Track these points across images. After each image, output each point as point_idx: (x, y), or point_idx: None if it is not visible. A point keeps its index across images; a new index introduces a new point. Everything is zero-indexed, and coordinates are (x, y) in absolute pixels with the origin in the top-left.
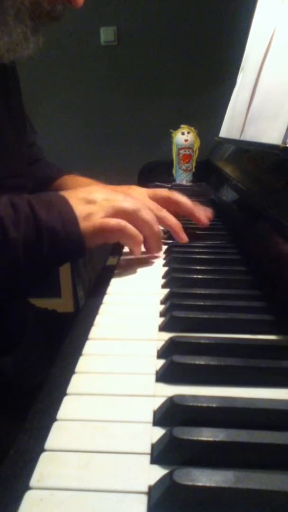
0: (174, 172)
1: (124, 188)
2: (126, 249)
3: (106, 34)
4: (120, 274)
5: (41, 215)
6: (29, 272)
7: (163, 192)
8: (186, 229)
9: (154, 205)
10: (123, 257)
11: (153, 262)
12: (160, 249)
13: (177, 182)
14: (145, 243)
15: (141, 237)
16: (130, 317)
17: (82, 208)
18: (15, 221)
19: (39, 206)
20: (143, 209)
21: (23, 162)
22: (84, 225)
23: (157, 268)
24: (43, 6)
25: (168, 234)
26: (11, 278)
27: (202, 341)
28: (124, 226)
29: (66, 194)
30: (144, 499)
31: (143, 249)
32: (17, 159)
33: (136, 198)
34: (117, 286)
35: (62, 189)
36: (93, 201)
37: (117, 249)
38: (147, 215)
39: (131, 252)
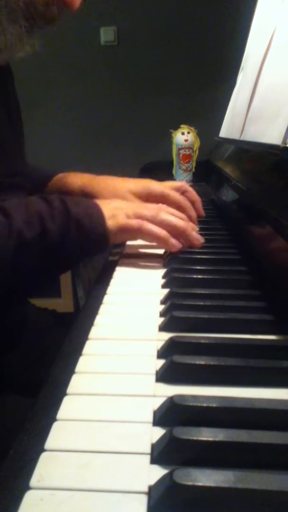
0: (174, 172)
1: (143, 181)
2: (126, 249)
3: (106, 34)
4: (120, 274)
5: (72, 209)
6: (61, 262)
7: (176, 182)
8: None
9: (175, 196)
10: (122, 258)
11: (153, 262)
12: (193, 244)
13: None
14: (179, 240)
15: (163, 233)
16: (130, 317)
17: (108, 210)
18: (51, 214)
19: (69, 202)
20: (162, 212)
21: (22, 161)
22: (109, 223)
23: (157, 268)
24: (37, 6)
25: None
26: (47, 267)
27: (202, 341)
28: (143, 224)
29: (95, 201)
30: (144, 499)
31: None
32: (16, 158)
33: (155, 206)
34: (117, 286)
35: (65, 186)
36: (118, 207)
37: (117, 249)
38: (167, 216)
39: (165, 248)
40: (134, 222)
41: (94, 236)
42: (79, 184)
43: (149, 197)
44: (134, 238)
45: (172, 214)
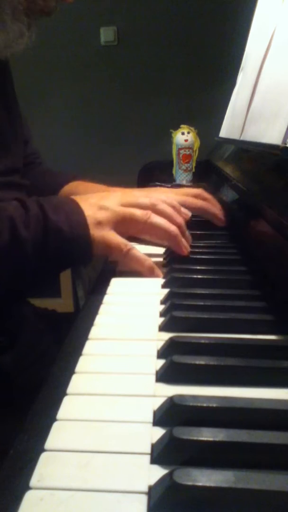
0: (174, 172)
1: (153, 189)
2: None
3: (106, 34)
4: (120, 274)
5: (50, 216)
6: (36, 273)
7: (193, 190)
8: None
9: (173, 198)
10: None
11: (153, 262)
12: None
13: (177, 182)
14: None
15: (147, 263)
16: (130, 317)
17: (93, 214)
18: (25, 221)
19: (48, 207)
20: (153, 214)
21: (20, 159)
22: (94, 232)
23: (157, 268)
24: (38, 3)
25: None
26: (19, 277)
27: (202, 341)
28: (128, 250)
29: (78, 198)
30: (144, 499)
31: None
32: (14, 156)
33: (151, 196)
34: (117, 286)
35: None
36: (105, 208)
37: None
38: (158, 219)
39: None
40: (121, 243)
41: (76, 246)
42: None
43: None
44: (118, 259)
45: (165, 212)
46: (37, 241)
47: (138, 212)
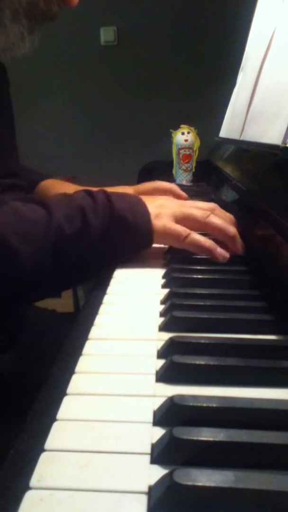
0: (174, 172)
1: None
2: None
3: (106, 34)
4: (120, 274)
5: (115, 204)
6: (101, 259)
7: (207, 204)
8: None
9: (221, 212)
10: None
11: (153, 262)
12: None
13: (177, 182)
14: (223, 246)
15: (208, 243)
16: (130, 317)
17: (153, 207)
18: (94, 209)
19: (114, 197)
20: (212, 215)
21: (17, 161)
22: (154, 222)
23: (157, 268)
24: (39, 6)
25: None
26: (87, 262)
27: (202, 341)
28: (190, 234)
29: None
30: (144, 499)
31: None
32: (12, 158)
33: (204, 206)
34: (117, 286)
35: (46, 193)
36: (165, 206)
37: None
38: (217, 220)
39: (212, 258)
40: (181, 230)
41: (138, 233)
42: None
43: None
44: (178, 245)
45: (222, 217)
46: (104, 228)
47: (196, 211)
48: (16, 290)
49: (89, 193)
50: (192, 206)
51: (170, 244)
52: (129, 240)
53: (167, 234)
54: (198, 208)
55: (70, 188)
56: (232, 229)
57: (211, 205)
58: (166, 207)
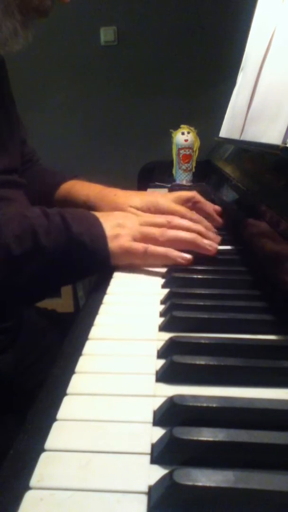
0: (174, 172)
1: (149, 196)
2: None
3: (106, 34)
4: (120, 274)
5: (72, 227)
6: (54, 280)
7: (186, 193)
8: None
9: (183, 212)
10: None
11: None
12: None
13: (177, 182)
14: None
15: (168, 252)
16: (130, 317)
17: (111, 228)
18: (47, 230)
19: (70, 219)
20: (169, 229)
21: (17, 158)
22: (112, 244)
23: (157, 268)
24: (32, 0)
25: None
26: (37, 284)
27: (202, 341)
28: (148, 248)
29: (98, 214)
30: (144, 499)
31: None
32: (12, 155)
33: (165, 216)
34: (117, 286)
35: (70, 196)
36: (123, 225)
37: None
38: (176, 232)
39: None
40: (138, 246)
41: (96, 257)
42: (84, 196)
43: (156, 213)
44: (139, 263)
45: (181, 225)
46: (57, 250)
47: (154, 230)
48: None
49: (45, 212)
50: (150, 223)
51: (131, 262)
52: (87, 263)
53: (125, 254)
54: (156, 225)
55: (91, 188)
56: (189, 235)
57: (169, 218)
58: (123, 227)
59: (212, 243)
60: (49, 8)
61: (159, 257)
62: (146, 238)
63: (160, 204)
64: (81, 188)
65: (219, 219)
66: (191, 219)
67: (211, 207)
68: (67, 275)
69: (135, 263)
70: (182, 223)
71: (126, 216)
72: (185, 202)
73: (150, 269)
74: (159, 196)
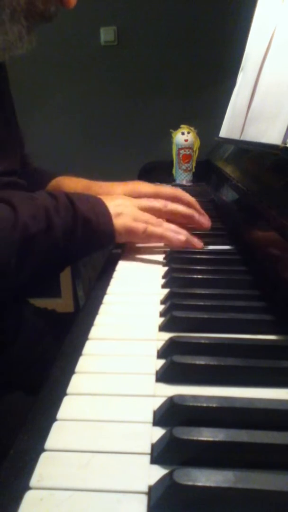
0: (174, 172)
1: (130, 184)
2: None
3: (106, 34)
4: (120, 274)
5: (78, 206)
6: (61, 258)
7: (168, 190)
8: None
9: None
10: (122, 258)
11: (153, 262)
12: (204, 224)
13: (177, 182)
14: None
15: (166, 233)
16: (130, 317)
17: (113, 207)
18: (56, 209)
19: (76, 199)
20: (170, 203)
21: (17, 160)
22: (116, 221)
23: (157, 268)
24: (38, 6)
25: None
26: (47, 261)
27: (202, 341)
28: (145, 229)
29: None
30: (144, 499)
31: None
32: (11, 157)
33: (161, 200)
34: (117, 286)
35: (57, 190)
36: (123, 205)
37: (117, 249)
38: (176, 205)
39: (171, 246)
40: (139, 226)
41: (101, 233)
42: (72, 189)
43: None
44: (138, 241)
45: (177, 208)
46: (67, 228)
47: (156, 202)
48: None
49: (51, 194)
50: (147, 205)
51: (130, 241)
52: (93, 240)
53: (127, 232)
54: (153, 208)
55: (79, 183)
56: (189, 210)
57: (154, 192)
58: (125, 206)
59: (206, 219)
60: (54, 13)
61: (157, 237)
62: (149, 210)
63: (141, 190)
64: (68, 183)
65: (203, 223)
66: (176, 198)
67: (193, 201)
68: (73, 253)
69: (134, 242)
70: (177, 206)
71: (125, 198)
72: (167, 198)
73: (151, 269)
74: (140, 183)
